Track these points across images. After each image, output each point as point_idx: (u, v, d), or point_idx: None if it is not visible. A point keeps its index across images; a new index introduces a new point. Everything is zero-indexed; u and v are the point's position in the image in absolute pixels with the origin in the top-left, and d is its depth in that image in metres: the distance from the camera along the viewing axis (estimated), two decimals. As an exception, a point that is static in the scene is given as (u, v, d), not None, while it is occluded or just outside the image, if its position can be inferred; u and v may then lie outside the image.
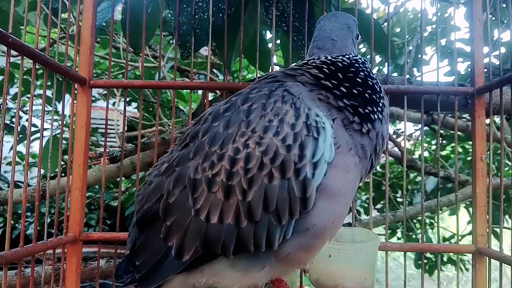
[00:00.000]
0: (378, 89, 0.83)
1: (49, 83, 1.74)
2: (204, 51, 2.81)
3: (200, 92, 2.56)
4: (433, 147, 3.61)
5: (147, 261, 0.75)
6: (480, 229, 1.20)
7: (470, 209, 2.98)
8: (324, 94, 0.79)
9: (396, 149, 2.85)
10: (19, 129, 2.09)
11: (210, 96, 2.32)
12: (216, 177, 0.70)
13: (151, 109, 3.15)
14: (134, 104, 3.39)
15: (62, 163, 1.86)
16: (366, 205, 3.57)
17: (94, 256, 1.73)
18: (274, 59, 1.92)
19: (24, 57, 1.00)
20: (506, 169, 3.23)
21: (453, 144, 3.41)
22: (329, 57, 0.86)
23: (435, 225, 3.35)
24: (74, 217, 1.24)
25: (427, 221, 3.41)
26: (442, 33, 2.71)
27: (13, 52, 0.96)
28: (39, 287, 1.12)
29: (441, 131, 3.14)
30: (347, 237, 1.07)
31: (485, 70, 1.24)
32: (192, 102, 1.52)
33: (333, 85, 0.80)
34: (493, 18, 1.99)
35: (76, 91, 1.27)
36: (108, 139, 1.84)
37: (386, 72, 1.34)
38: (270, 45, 1.63)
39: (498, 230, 2.27)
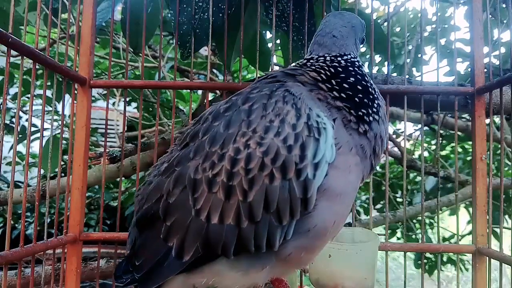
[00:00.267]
0: (372, 91, 0.83)
1: (49, 83, 1.74)
2: (204, 51, 2.81)
3: (200, 92, 2.56)
4: (433, 147, 3.61)
5: (147, 261, 0.75)
6: (480, 229, 1.20)
7: (470, 209, 2.98)
8: (323, 94, 0.80)
9: (396, 149, 2.85)
10: (19, 129, 2.09)
11: (210, 96, 2.32)
12: (216, 177, 0.70)
13: (151, 109, 3.15)
14: (134, 104, 3.39)
15: (62, 163, 1.86)
16: (366, 205, 3.57)
17: (94, 256, 1.73)
18: (274, 59, 1.92)
19: (24, 57, 1.00)
20: (506, 169, 3.23)
21: (453, 144, 3.41)
22: (328, 58, 0.86)
23: (435, 225, 3.35)
24: (74, 217, 1.24)
25: (427, 221, 3.41)
26: (442, 33, 2.71)
27: (13, 52, 0.96)
28: (39, 287, 1.12)
29: (441, 131, 3.14)
30: (347, 237, 1.07)
31: (485, 70, 1.24)
32: (192, 102, 1.51)
33: (328, 88, 0.80)
34: (493, 18, 1.99)
35: (76, 91, 1.27)
36: (108, 139, 1.84)
37: (385, 72, 1.35)
38: (270, 45, 1.63)
39: (498, 230, 2.27)
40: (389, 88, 1.25)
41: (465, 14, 2.08)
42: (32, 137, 2.03)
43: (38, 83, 2.67)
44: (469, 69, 1.33)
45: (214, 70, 3.01)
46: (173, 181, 0.74)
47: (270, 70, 1.43)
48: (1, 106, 1.01)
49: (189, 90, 1.39)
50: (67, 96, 1.96)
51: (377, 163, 0.84)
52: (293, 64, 0.93)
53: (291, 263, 0.76)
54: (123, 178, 1.92)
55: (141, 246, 0.78)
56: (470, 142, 1.60)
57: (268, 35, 1.98)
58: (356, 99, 0.80)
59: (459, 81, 1.31)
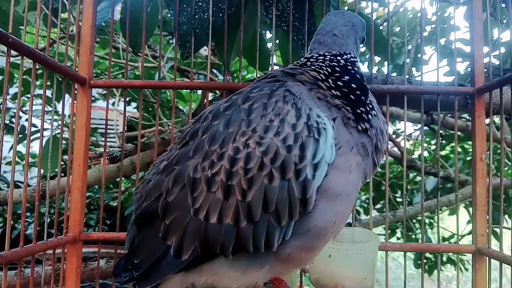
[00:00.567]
0: (366, 89, 0.84)
1: (49, 83, 1.74)
2: (204, 51, 2.81)
3: (199, 92, 2.56)
4: (433, 147, 3.61)
5: (146, 260, 0.75)
6: (480, 229, 1.20)
7: (470, 209, 2.98)
8: (323, 93, 0.80)
9: (396, 149, 2.85)
10: (19, 129, 2.09)
11: (210, 96, 2.32)
12: (215, 176, 0.70)
13: (150, 109, 3.15)
14: (133, 104, 3.39)
15: (62, 163, 1.86)
16: (366, 205, 3.57)
17: (94, 256, 1.73)
18: (274, 59, 1.91)
19: (24, 57, 1.00)
20: (506, 169, 3.23)
21: (452, 144, 3.41)
22: (327, 57, 0.86)
23: (435, 225, 3.35)
24: (74, 217, 1.24)
25: (427, 221, 3.41)
26: (441, 33, 2.71)
27: (13, 52, 0.96)
28: (39, 287, 1.12)
29: (441, 131, 3.14)
30: (347, 237, 1.07)
31: (485, 70, 1.24)
32: (192, 102, 1.51)
33: (327, 87, 0.80)
34: (493, 18, 1.99)
35: (76, 91, 1.27)
36: (108, 139, 1.84)
37: (385, 72, 1.34)
38: (270, 45, 1.63)
39: (498, 230, 2.27)
40: (389, 88, 1.25)
41: (465, 14, 2.08)
42: (32, 137, 2.03)
43: (38, 83, 2.67)
44: (469, 69, 1.33)
45: (214, 70, 3.01)
46: (172, 180, 0.74)
47: (270, 70, 1.43)
48: (1, 106, 1.01)
49: (189, 90, 1.39)
50: (67, 96, 1.96)
51: (380, 160, 0.84)
52: (293, 63, 0.93)
53: (291, 262, 0.76)
54: (123, 178, 1.92)
55: (139, 244, 0.78)
56: (470, 142, 1.60)
57: (268, 35, 1.98)
58: (352, 96, 0.80)
59: (459, 81, 1.31)
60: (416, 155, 3.55)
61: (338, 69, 0.83)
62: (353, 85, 0.81)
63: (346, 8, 2.06)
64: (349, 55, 0.87)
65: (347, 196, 0.76)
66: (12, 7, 0.97)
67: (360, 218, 2.75)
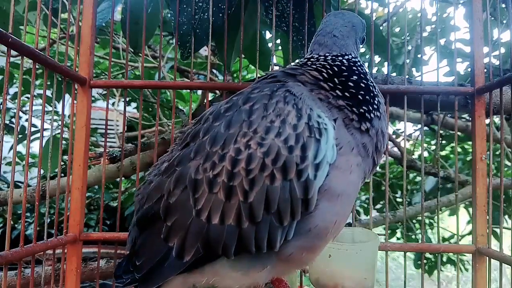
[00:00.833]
0: (373, 89, 0.84)
1: (49, 83, 1.74)
2: (204, 51, 2.81)
3: (199, 92, 2.56)
4: (433, 147, 3.61)
5: (148, 261, 0.75)
6: (480, 229, 1.20)
7: (470, 209, 2.98)
8: (324, 94, 0.80)
9: (396, 149, 2.85)
10: (19, 129, 2.09)
11: (210, 96, 2.32)
12: (217, 177, 0.70)
13: (150, 109, 3.15)
14: (133, 104, 3.39)
15: (62, 163, 1.86)
16: (366, 205, 3.57)
17: (94, 257, 1.73)
18: (274, 59, 1.92)
19: (24, 57, 1.00)
20: (506, 169, 3.23)
21: (452, 144, 3.41)
22: (328, 58, 0.86)
23: (435, 225, 3.35)
24: (74, 217, 1.24)
25: (427, 221, 3.41)
26: (441, 33, 2.71)
27: (13, 52, 0.96)
28: (39, 287, 1.12)
29: (441, 131, 3.14)
30: (347, 237, 1.07)
31: (485, 70, 1.24)
32: (192, 102, 1.51)
33: (330, 87, 0.80)
34: (493, 18, 1.99)
35: (76, 91, 1.27)
36: (108, 139, 1.84)
37: (385, 72, 1.34)
38: (270, 45, 1.63)
39: (498, 230, 2.27)
40: (389, 88, 1.25)
41: (465, 14, 2.09)
42: (32, 137, 2.03)
43: (38, 83, 2.67)
44: (469, 69, 1.33)
45: (214, 70, 3.01)
46: (174, 181, 0.74)
47: (270, 70, 1.43)
48: (1, 106, 1.01)
49: (189, 90, 1.39)
50: (67, 96, 1.96)
51: (379, 160, 0.84)
52: (293, 63, 0.93)
53: (292, 263, 0.76)
54: (123, 178, 1.92)
55: (141, 246, 0.78)
56: (470, 142, 1.60)
57: (268, 35, 1.98)
58: (359, 96, 0.80)
59: (459, 81, 1.31)
60: (416, 155, 3.55)
61: (344, 68, 0.83)
62: (362, 84, 0.82)
63: (346, 8, 2.06)
64: (350, 56, 0.87)
65: (348, 196, 0.76)
66: (12, 7, 0.97)
67: (360, 218, 2.76)
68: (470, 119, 1.27)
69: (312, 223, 0.72)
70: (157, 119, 1.49)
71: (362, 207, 3.57)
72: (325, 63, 0.84)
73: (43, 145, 1.12)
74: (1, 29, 0.89)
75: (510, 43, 1.26)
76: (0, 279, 1.46)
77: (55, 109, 1.31)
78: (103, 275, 1.75)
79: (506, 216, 3.07)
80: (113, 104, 3.11)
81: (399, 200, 3.36)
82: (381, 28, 2.04)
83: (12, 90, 3.06)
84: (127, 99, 1.75)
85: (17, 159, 1.97)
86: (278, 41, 2.02)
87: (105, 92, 2.49)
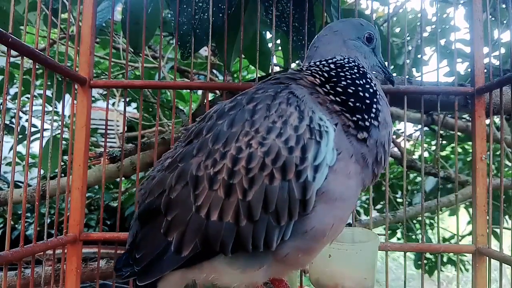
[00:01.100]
0: (367, 94, 0.79)
1: (49, 83, 1.74)
2: (204, 51, 2.81)
3: (200, 92, 2.56)
4: (433, 147, 3.61)
5: (147, 255, 0.76)
6: (480, 229, 1.20)
7: (470, 210, 2.98)
8: (322, 98, 0.79)
9: (396, 149, 2.86)
10: (19, 129, 2.09)
11: (210, 96, 2.32)
12: (217, 175, 0.71)
13: (151, 109, 3.15)
14: (133, 105, 3.39)
15: (62, 163, 1.86)
16: (366, 206, 3.57)
17: (94, 257, 1.73)
18: (274, 59, 1.92)
19: (24, 57, 1.00)
20: (506, 169, 3.23)
21: (453, 145, 3.41)
22: (317, 63, 0.86)
23: (435, 226, 3.35)
24: (74, 217, 1.24)
25: (427, 221, 3.41)
26: (441, 33, 2.71)
27: (13, 52, 0.96)
28: (39, 287, 1.12)
29: (441, 132, 3.14)
30: (347, 237, 1.07)
31: (485, 70, 1.24)
32: (192, 102, 1.52)
33: (325, 92, 0.79)
34: (493, 19, 1.99)
35: (76, 91, 1.27)
36: (108, 139, 1.84)
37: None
38: (270, 45, 1.63)
39: (498, 230, 2.27)
40: (389, 88, 1.25)
41: (465, 14, 2.09)
42: (32, 137, 2.03)
43: (38, 83, 2.67)
44: (469, 69, 1.33)
45: (214, 71, 3.01)
46: (176, 177, 0.75)
47: (270, 70, 1.43)
48: (1, 106, 1.01)
49: (189, 90, 1.39)
50: (67, 96, 1.96)
51: (379, 172, 0.82)
52: (290, 69, 0.94)
53: (288, 263, 0.76)
54: (123, 178, 1.92)
55: (142, 239, 0.79)
56: (470, 143, 1.60)
57: (268, 35, 1.98)
58: (349, 103, 0.77)
59: (459, 81, 1.31)
60: (416, 155, 3.55)
61: (333, 73, 0.82)
62: (349, 90, 0.79)
63: (346, 8, 2.05)
64: (336, 59, 0.85)
65: (346, 200, 0.76)
66: (12, 7, 0.97)
67: (360, 218, 2.75)
68: (470, 119, 1.27)
69: (309, 224, 0.72)
70: (157, 119, 1.49)
71: (362, 207, 3.58)
72: (317, 68, 0.84)
73: (43, 145, 1.12)
74: (1, 29, 0.89)
75: (510, 43, 1.26)
76: (0, 279, 1.46)
77: (55, 109, 1.31)
78: (103, 275, 1.75)
79: (506, 216, 3.07)
80: (113, 104, 3.11)
81: (399, 200, 3.36)
82: (381, 28, 2.04)
83: (12, 90, 3.06)
84: (127, 99, 1.75)
85: (17, 159, 1.97)
86: (278, 41, 2.02)
87: (105, 92, 2.50)
